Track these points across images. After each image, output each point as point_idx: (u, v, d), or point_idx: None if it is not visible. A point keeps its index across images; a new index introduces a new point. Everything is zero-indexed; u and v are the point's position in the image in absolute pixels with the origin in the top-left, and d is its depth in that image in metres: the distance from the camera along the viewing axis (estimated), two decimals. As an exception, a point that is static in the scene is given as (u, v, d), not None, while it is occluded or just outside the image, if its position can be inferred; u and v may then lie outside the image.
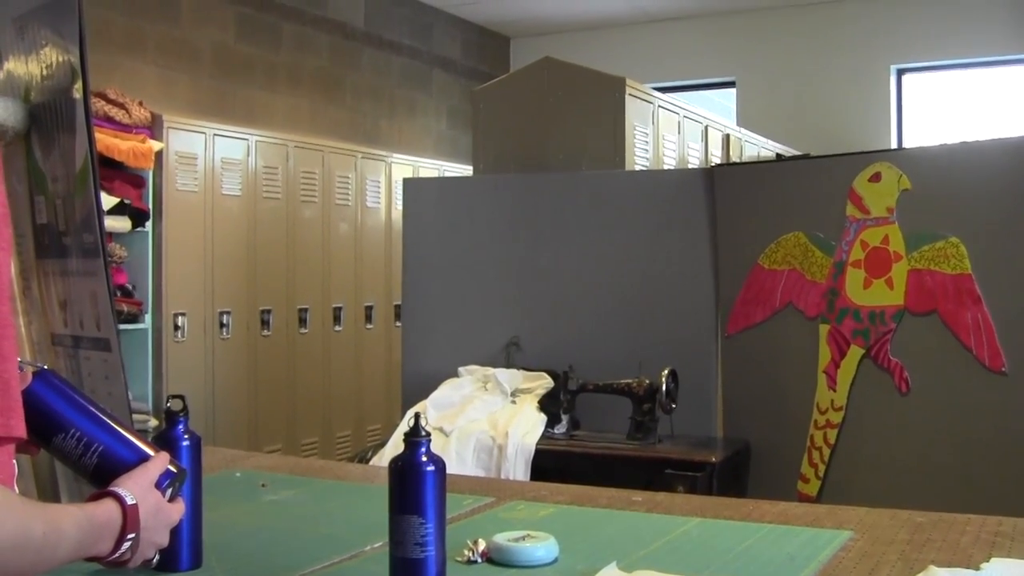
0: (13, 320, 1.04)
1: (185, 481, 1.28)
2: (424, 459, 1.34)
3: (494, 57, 8.77)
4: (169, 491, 1.20)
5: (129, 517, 1.11)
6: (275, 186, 5.83)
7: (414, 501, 1.33)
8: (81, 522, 1.07)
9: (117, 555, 1.11)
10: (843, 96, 7.69)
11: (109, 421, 1.20)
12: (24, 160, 1.72)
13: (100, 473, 1.17)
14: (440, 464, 1.35)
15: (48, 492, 1.65)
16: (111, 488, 1.14)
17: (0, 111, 1.68)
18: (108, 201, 4.78)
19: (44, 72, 1.64)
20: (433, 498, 1.33)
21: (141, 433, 1.25)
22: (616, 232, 3.97)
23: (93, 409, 1.20)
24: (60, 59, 1.58)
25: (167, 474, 1.20)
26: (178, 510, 1.22)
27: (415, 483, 1.33)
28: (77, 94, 1.54)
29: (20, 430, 1.01)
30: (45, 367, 1.20)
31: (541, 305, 4.05)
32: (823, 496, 3.48)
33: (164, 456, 1.22)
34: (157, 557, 1.19)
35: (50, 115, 1.63)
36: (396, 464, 1.35)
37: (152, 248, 5.13)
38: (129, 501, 1.12)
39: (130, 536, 1.11)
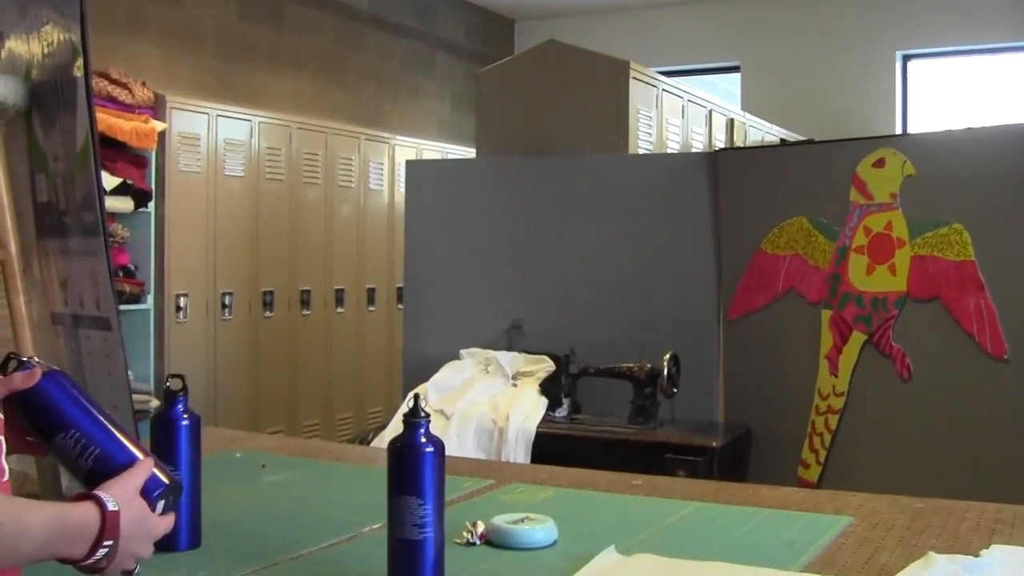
0: None
1: (181, 494, 1.23)
2: (423, 440, 1.33)
3: (498, 40, 8.74)
4: (161, 503, 1.15)
5: (108, 523, 1.06)
6: (278, 167, 5.82)
7: (412, 482, 1.32)
8: (50, 521, 1.03)
9: (92, 560, 1.06)
10: (848, 82, 7.67)
11: (111, 427, 1.18)
12: (25, 138, 1.72)
13: (94, 477, 1.14)
14: (439, 445, 1.34)
15: (49, 492, 1.66)
16: (94, 492, 1.09)
17: (1, 89, 1.68)
18: (111, 181, 4.77)
19: (45, 51, 1.63)
20: (432, 479, 1.33)
21: (143, 423, 1.24)
22: (619, 216, 3.96)
23: (96, 413, 1.18)
24: (61, 38, 1.58)
25: (158, 484, 1.16)
26: (164, 523, 1.16)
27: (413, 464, 1.32)
28: (78, 72, 1.54)
29: None
30: (55, 368, 1.20)
31: (543, 288, 4.04)
32: (824, 482, 3.49)
33: (148, 462, 1.17)
34: (139, 569, 1.14)
35: (51, 94, 1.63)
36: (395, 445, 1.35)
37: (154, 229, 5.13)
38: (110, 507, 1.07)
39: (107, 543, 1.06)
